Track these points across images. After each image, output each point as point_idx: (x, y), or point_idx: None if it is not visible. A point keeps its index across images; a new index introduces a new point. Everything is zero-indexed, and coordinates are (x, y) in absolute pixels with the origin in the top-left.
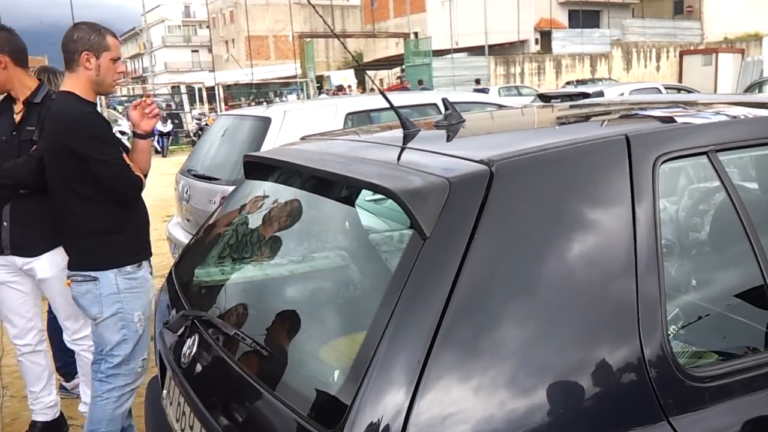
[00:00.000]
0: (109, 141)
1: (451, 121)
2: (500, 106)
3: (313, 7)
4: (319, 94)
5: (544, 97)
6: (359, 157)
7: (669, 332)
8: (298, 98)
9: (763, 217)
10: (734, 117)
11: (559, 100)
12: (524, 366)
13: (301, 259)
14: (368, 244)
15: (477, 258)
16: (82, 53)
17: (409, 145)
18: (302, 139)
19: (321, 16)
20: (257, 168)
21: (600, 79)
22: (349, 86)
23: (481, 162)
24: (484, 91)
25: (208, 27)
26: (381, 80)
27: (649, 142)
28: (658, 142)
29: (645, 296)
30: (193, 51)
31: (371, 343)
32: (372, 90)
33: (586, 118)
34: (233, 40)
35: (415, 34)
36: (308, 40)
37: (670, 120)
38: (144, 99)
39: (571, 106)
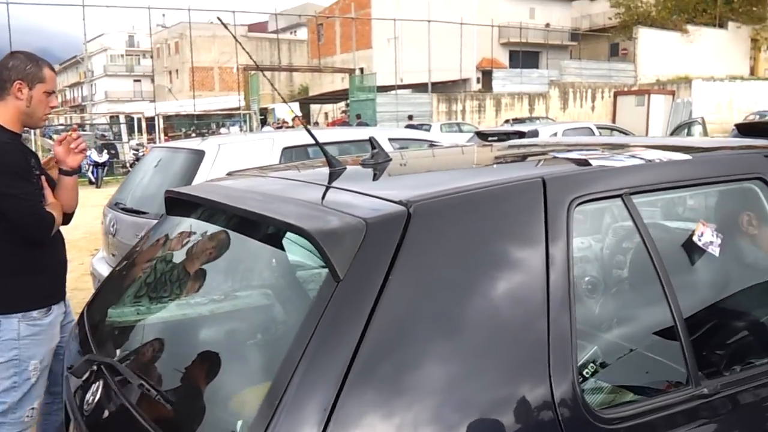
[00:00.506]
0: (20, 174)
1: (378, 159)
2: (432, 144)
3: (235, 38)
4: (263, 126)
5: (482, 135)
6: (280, 196)
7: (582, 372)
8: (241, 130)
9: (675, 257)
10: (648, 161)
11: (496, 138)
12: (442, 404)
13: (222, 298)
14: (294, 283)
15: (392, 299)
16: (14, 82)
17: (332, 183)
18: (228, 174)
19: (243, 48)
20: (178, 204)
21: (537, 118)
22: (293, 119)
23: (399, 203)
24: (417, 127)
25: (151, 57)
26: (326, 114)
27: (565, 184)
28: (573, 185)
29: (556, 336)
30: (135, 81)
31: (277, 391)
32: (316, 123)
33: (508, 159)
34: (177, 70)
35: (361, 69)
36: (253, 72)
37: (585, 163)
38: (69, 133)
39: (495, 147)
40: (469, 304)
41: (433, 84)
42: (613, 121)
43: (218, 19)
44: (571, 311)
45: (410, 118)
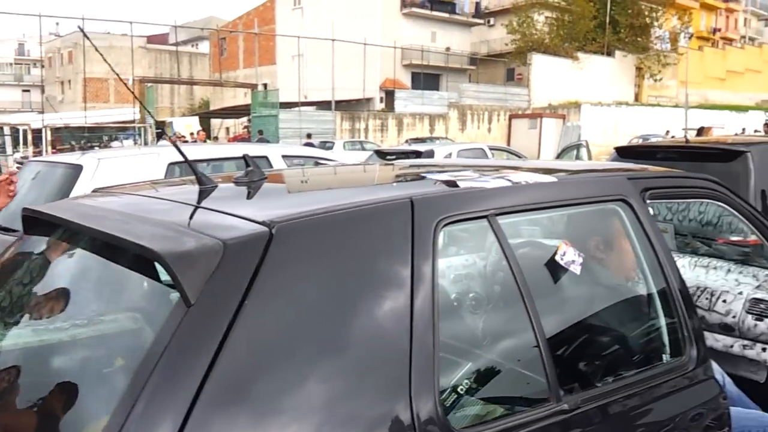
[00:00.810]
0: None
1: (252, 177)
2: (318, 162)
3: (96, 48)
4: (158, 140)
5: (381, 154)
6: (139, 215)
7: (454, 390)
8: (135, 144)
9: (538, 276)
10: (515, 183)
11: (394, 156)
12: (296, 426)
13: (85, 323)
14: (153, 308)
15: (249, 323)
16: None
17: (199, 202)
18: (95, 191)
19: (105, 59)
20: (37, 223)
21: (438, 138)
22: (191, 134)
23: (262, 223)
24: (314, 145)
25: (41, 66)
26: (227, 129)
27: (432, 205)
28: (440, 206)
29: (419, 356)
30: (24, 90)
31: (114, 428)
32: (216, 138)
33: (382, 180)
34: (70, 81)
35: (264, 85)
36: (149, 84)
37: (454, 185)
38: (7, 176)
39: (372, 168)
40: (334, 325)
41: (337, 102)
42: (508, 142)
43: (79, 28)
44: (434, 331)
45: (309, 136)
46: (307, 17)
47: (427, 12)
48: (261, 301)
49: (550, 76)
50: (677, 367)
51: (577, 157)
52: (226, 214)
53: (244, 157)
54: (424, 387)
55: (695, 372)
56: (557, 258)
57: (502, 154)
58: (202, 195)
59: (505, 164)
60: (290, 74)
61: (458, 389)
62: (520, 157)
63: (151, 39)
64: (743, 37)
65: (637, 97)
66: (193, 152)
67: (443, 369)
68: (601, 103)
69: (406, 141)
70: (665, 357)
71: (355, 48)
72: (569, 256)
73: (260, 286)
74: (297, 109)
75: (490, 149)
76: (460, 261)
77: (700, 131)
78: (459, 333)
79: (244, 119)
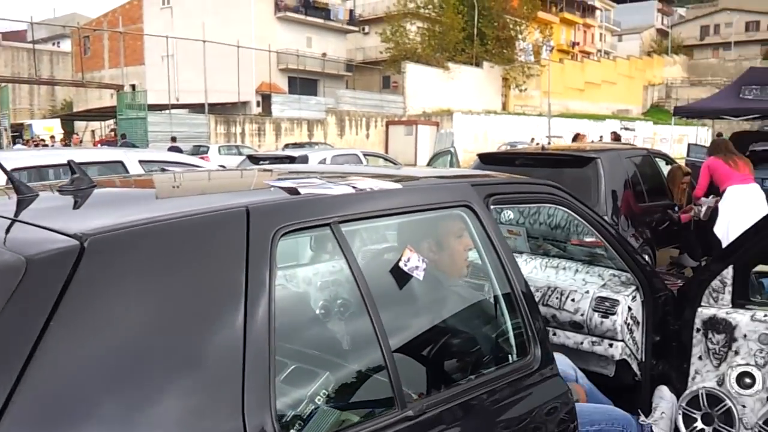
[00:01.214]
0: None
1: (79, 185)
2: (164, 168)
3: None
4: (14, 144)
5: (253, 159)
6: None
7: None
8: None
9: (383, 283)
10: (360, 190)
11: (267, 161)
12: None
13: None
14: None
15: (53, 346)
16: None
17: (11, 214)
18: None
19: None
20: None
21: (316, 143)
22: (52, 137)
23: (72, 236)
24: (179, 149)
25: None
26: (93, 132)
27: (270, 214)
28: (279, 215)
29: (253, 373)
30: None
31: None
32: (81, 142)
33: (222, 187)
34: None
35: (132, 86)
36: (4, 84)
37: (295, 192)
38: None
39: (213, 175)
40: (157, 343)
41: (212, 105)
42: (386, 148)
43: None
44: (270, 345)
45: (173, 139)
46: (176, 17)
47: (302, 17)
48: (69, 321)
49: (424, 85)
50: (523, 367)
51: (451, 164)
52: (38, 226)
53: (69, 163)
54: (258, 403)
55: (541, 371)
56: (401, 264)
57: (377, 160)
58: (19, 206)
59: (354, 171)
60: (160, 76)
61: (304, 401)
62: (394, 163)
63: (6, 36)
64: (599, 50)
65: (504, 106)
66: (41, 158)
67: (289, 381)
68: (471, 112)
69: (285, 146)
70: (511, 357)
71: (229, 50)
72: (413, 262)
73: (69, 305)
74: (167, 111)
75: (365, 155)
76: (304, 270)
77: (575, 138)
78: (307, 343)
79: (111, 122)
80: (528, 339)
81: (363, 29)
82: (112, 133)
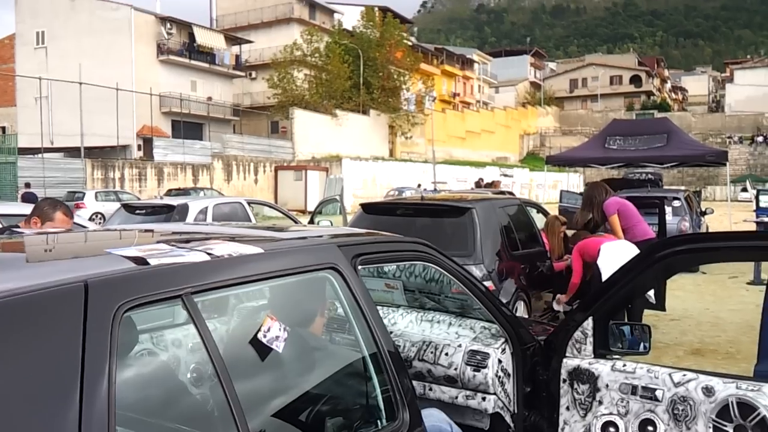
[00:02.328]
0: None
1: None
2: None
3: None
4: None
5: (128, 208)
6: None
7: None
8: None
9: (240, 357)
10: (217, 257)
11: (144, 211)
12: None
13: None
14: None
15: None
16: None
17: None
18: None
19: None
20: None
21: (203, 189)
22: None
23: None
24: (34, 195)
25: None
26: None
27: (112, 288)
28: (122, 288)
29: None
30: None
31: None
32: None
33: (59, 255)
34: None
35: (2, 128)
36: None
37: (143, 261)
38: None
39: (50, 239)
40: None
41: (89, 149)
42: (275, 193)
43: None
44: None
45: (27, 185)
46: (51, 57)
47: (186, 60)
48: None
49: (312, 131)
50: None
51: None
52: None
53: None
54: None
55: None
56: (260, 335)
57: (262, 209)
58: None
59: (214, 232)
60: (33, 118)
61: None
62: (282, 212)
63: None
64: (478, 101)
65: (391, 153)
66: None
67: None
68: (360, 158)
69: (167, 192)
70: (380, 422)
71: (108, 92)
72: (273, 332)
73: None
74: (40, 155)
75: (249, 203)
76: (159, 344)
77: (489, 185)
78: (167, 418)
79: None
80: (396, 402)
81: (250, 74)
82: None
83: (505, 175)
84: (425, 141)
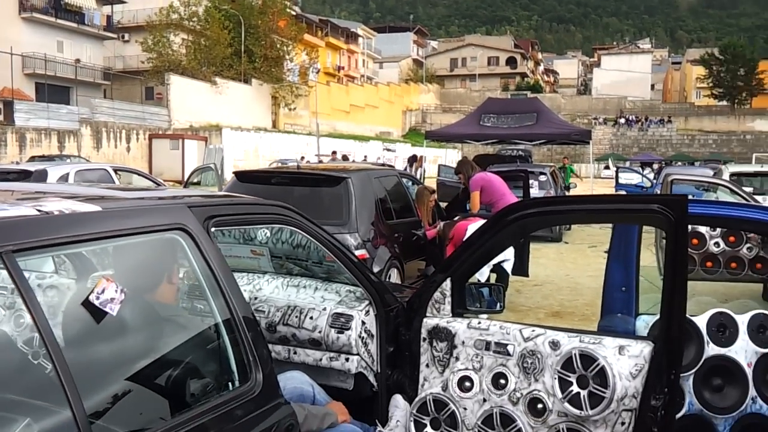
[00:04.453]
0: None
1: None
2: None
3: None
4: None
5: None
6: None
7: None
8: None
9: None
10: (46, 212)
11: None
12: None
13: None
14: None
15: None
16: None
17: None
18: None
19: None
20: None
21: (69, 156)
22: None
23: None
24: None
25: None
26: None
27: None
28: None
29: None
30: None
31: None
32: None
33: None
34: None
35: None
36: None
37: None
38: None
39: None
40: None
41: None
42: (150, 162)
43: None
44: None
45: None
46: None
47: (51, 19)
48: None
49: (190, 98)
50: (244, 393)
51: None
52: None
53: None
54: None
55: (263, 395)
56: (93, 297)
57: (131, 177)
58: None
59: (50, 190)
60: None
61: None
62: (151, 179)
63: None
64: (363, 76)
65: (274, 124)
66: None
67: None
68: (241, 128)
69: (30, 158)
70: (232, 384)
71: None
72: (108, 294)
73: None
74: None
75: (116, 171)
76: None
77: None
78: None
79: None
80: (249, 364)
81: (122, 37)
82: None
83: (388, 150)
84: (309, 113)
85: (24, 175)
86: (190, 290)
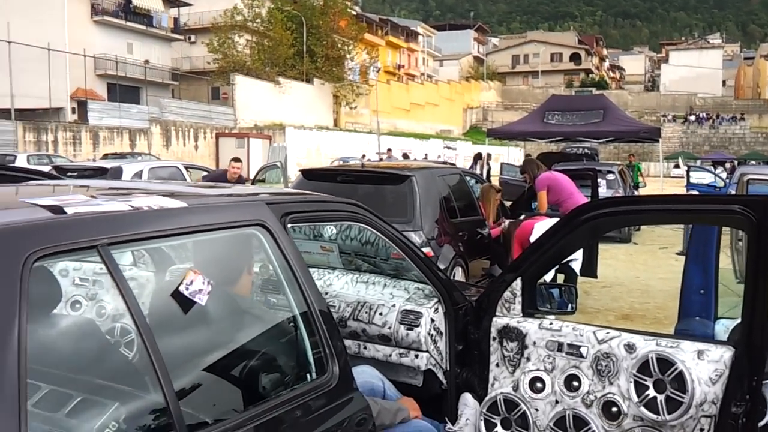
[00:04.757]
0: None
1: None
2: None
3: None
4: None
5: (60, 170)
6: None
7: None
8: None
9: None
10: (136, 208)
11: (76, 173)
12: None
13: None
14: None
15: None
16: None
17: None
18: None
19: None
20: None
21: (140, 154)
22: None
23: None
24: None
25: None
26: None
27: (22, 236)
28: (33, 237)
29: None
30: None
31: None
32: None
33: None
34: None
35: None
36: None
37: (59, 210)
38: None
39: None
40: None
41: (20, 111)
42: (217, 161)
43: None
44: (21, 381)
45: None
46: None
47: (122, 22)
48: None
49: (254, 98)
50: (321, 385)
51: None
52: None
53: None
54: None
55: (339, 388)
56: (182, 288)
57: (200, 174)
58: None
59: (139, 187)
60: None
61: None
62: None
63: None
64: (423, 74)
65: (336, 123)
66: None
67: (75, 413)
68: (303, 126)
69: (103, 156)
70: (310, 376)
71: (39, 53)
72: (196, 285)
73: None
74: None
75: (187, 168)
76: (78, 296)
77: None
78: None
79: None
80: (326, 357)
81: (189, 38)
82: None
83: (449, 148)
84: (370, 112)
85: (101, 172)
86: (266, 284)
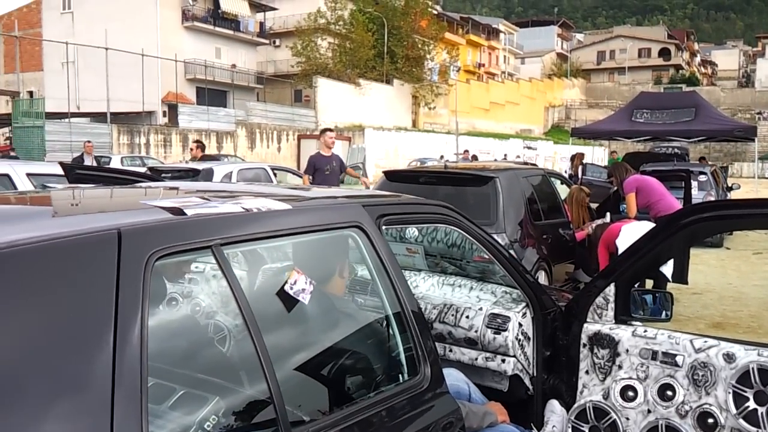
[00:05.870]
0: None
1: None
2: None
3: None
4: None
5: (155, 171)
6: None
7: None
8: None
9: (268, 307)
10: (246, 210)
11: (170, 175)
12: None
13: None
14: None
15: None
16: None
17: None
18: None
19: None
20: None
21: (227, 156)
22: None
23: None
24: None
25: None
26: None
27: (144, 236)
28: (154, 237)
29: (122, 406)
30: None
31: None
32: None
33: (95, 207)
34: None
35: (30, 93)
36: None
37: (179, 212)
38: None
39: (87, 194)
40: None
41: (115, 114)
42: (298, 162)
43: None
44: (142, 373)
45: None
46: (78, 22)
47: (210, 27)
48: None
49: (335, 100)
50: (413, 386)
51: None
52: None
53: None
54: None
55: (431, 389)
56: (287, 287)
57: (286, 175)
58: None
59: (244, 189)
60: (60, 83)
61: (193, 427)
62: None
63: None
64: (503, 72)
65: (414, 123)
66: None
67: (177, 406)
68: (382, 128)
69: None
70: (402, 377)
71: (134, 58)
72: (300, 285)
73: None
74: (67, 120)
75: (273, 170)
76: (192, 293)
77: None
78: (196, 368)
79: (6, 130)
80: (418, 358)
81: (274, 42)
82: (8, 143)
83: (529, 148)
84: (448, 112)
85: (193, 174)
86: (361, 284)
